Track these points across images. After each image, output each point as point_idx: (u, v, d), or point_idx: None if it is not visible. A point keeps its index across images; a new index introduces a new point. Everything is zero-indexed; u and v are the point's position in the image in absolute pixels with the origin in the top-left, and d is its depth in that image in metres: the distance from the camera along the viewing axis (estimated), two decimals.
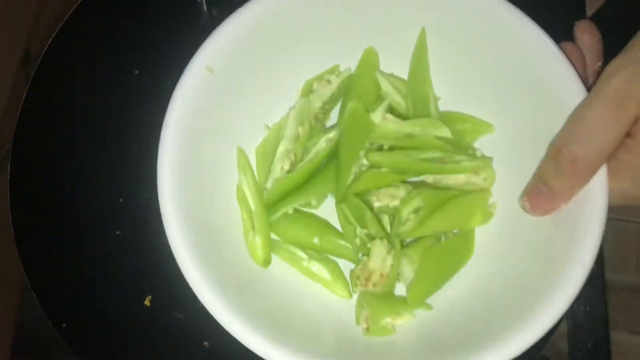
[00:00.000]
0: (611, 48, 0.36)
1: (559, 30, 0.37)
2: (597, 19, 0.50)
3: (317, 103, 0.40)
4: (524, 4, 0.36)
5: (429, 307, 0.36)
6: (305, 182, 0.39)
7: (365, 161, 0.38)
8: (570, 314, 0.45)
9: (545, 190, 0.33)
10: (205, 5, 0.50)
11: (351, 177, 0.38)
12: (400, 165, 0.37)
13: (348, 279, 0.38)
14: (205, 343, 0.42)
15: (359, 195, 0.38)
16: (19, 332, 0.49)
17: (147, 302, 0.43)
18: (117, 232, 0.45)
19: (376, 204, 0.38)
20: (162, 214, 0.33)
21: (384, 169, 0.37)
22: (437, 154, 0.38)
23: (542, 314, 0.31)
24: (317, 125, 0.40)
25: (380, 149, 0.38)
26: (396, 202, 0.37)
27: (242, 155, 0.39)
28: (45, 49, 0.47)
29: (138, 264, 0.44)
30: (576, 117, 0.33)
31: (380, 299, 0.36)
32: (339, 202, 0.39)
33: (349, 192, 0.38)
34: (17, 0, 0.55)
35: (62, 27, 0.47)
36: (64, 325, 0.40)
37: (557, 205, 0.33)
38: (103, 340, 0.41)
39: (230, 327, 0.32)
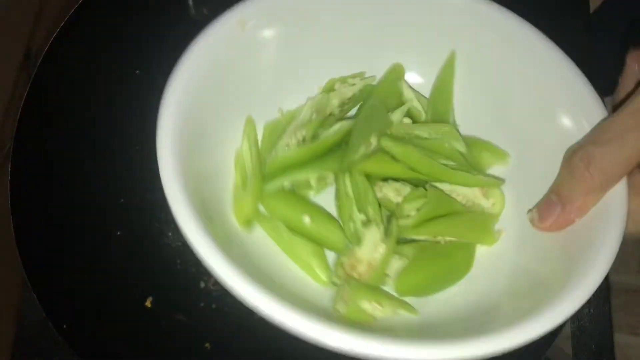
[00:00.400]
0: (615, 45, 0.36)
1: (560, 24, 0.37)
2: (599, 15, 0.50)
3: (335, 100, 0.40)
4: None
5: (415, 311, 0.34)
6: (310, 160, 0.37)
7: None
8: (575, 316, 0.45)
9: (556, 200, 0.30)
10: (191, 1, 0.49)
11: (360, 154, 0.36)
12: (410, 157, 0.36)
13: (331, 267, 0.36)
14: (207, 344, 0.42)
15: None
16: (19, 333, 0.49)
17: (148, 304, 0.43)
18: (118, 233, 0.45)
19: (379, 195, 0.36)
20: (160, 166, 0.32)
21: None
22: (449, 162, 0.37)
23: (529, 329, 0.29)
24: (331, 119, 0.40)
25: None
26: (399, 199, 0.36)
27: (250, 123, 0.38)
28: (47, 48, 0.47)
29: (139, 265, 0.44)
30: (597, 125, 0.30)
31: (363, 285, 0.34)
32: (342, 172, 0.37)
33: (354, 167, 0.36)
34: (18, 1, 0.55)
35: (63, 26, 0.47)
36: (64, 326, 0.40)
37: (568, 217, 0.30)
38: (104, 341, 0.41)
39: (229, 278, 0.29)
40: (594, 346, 0.44)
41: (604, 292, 0.46)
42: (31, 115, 0.46)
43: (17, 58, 0.54)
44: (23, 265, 0.41)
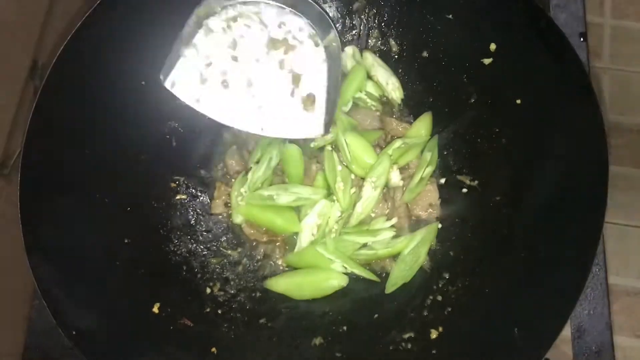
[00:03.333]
0: None
1: None
2: None
3: None
4: None
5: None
6: None
7: None
8: (574, 318, 0.46)
9: None
10: None
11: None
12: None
13: None
14: (213, 349, 0.43)
15: None
16: (29, 339, 0.49)
17: (155, 309, 0.43)
18: (126, 241, 0.45)
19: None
20: None
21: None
22: None
23: None
24: None
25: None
26: None
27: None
28: (55, 59, 0.47)
29: (146, 272, 0.45)
30: None
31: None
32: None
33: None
34: (24, 12, 0.56)
35: (71, 38, 0.48)
36: (74, 332, 0.40)
37: None
38: (112, 346, 0.41)
39: None
40: (594, 348, 0.44)
41: (603, 295, 0.46)
42: (40, 126, 0.46)
43: (25, 69, 0.55)
44: (33, 273, 0.41)
